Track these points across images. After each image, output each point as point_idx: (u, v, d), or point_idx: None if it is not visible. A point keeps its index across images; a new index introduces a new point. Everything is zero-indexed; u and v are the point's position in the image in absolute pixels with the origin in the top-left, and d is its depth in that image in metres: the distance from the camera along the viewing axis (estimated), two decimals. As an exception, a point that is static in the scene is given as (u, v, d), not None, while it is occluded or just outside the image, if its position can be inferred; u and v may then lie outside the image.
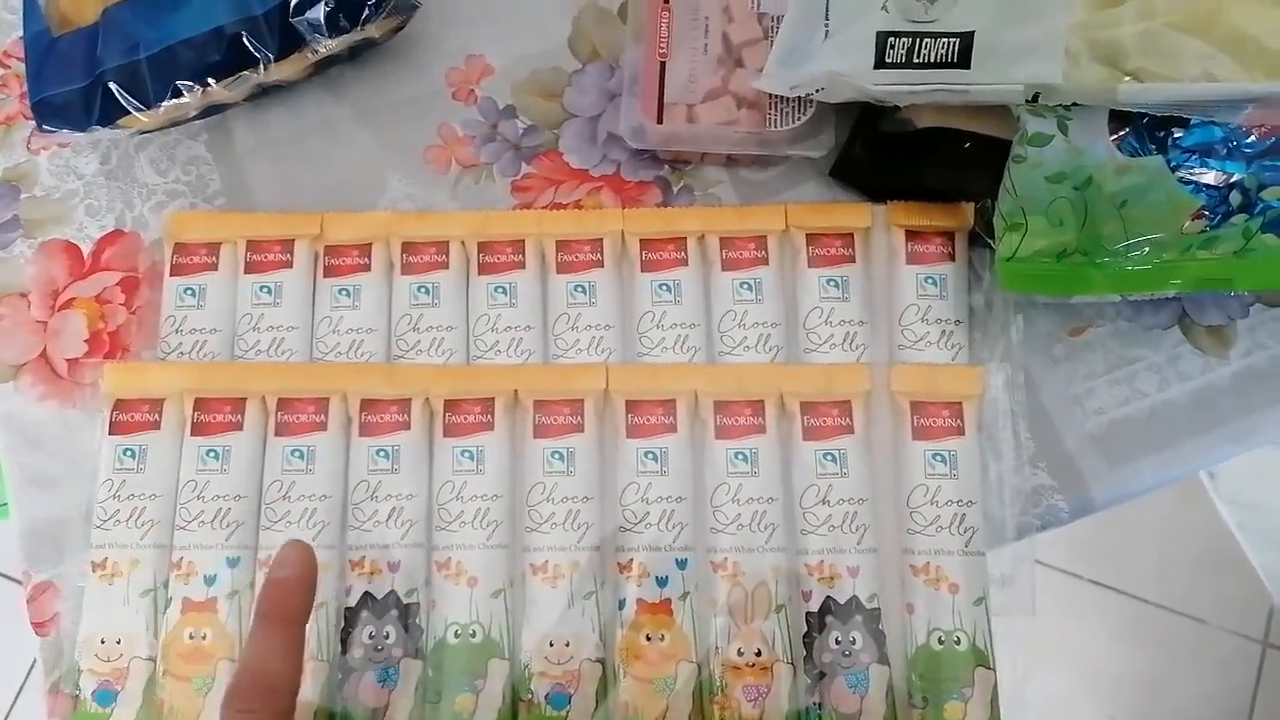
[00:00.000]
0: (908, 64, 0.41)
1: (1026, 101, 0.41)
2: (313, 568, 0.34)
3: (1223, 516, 1.24)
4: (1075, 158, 0.42)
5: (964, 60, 0.41)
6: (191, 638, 0.41)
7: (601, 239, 0.47)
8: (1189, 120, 0.41)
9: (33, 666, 1.25)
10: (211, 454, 0.43)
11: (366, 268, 0.47)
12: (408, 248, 0.47)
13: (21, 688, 1.25)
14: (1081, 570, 1.23)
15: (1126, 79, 0.40)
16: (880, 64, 0.42)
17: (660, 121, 0.46)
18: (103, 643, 0.41)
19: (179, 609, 0.41)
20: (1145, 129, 0.42)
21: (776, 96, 0.46)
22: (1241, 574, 1.23)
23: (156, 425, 0.43)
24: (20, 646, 1.26)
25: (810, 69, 0.43)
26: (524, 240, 0.47)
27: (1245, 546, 1.23)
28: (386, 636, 0.41)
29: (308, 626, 0.39)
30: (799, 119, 0.45)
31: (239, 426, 0.43)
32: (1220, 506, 1.24)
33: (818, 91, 0.43)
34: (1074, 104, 0.42)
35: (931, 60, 0.41)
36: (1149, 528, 1.25)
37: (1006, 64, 0.41)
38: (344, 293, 0.46)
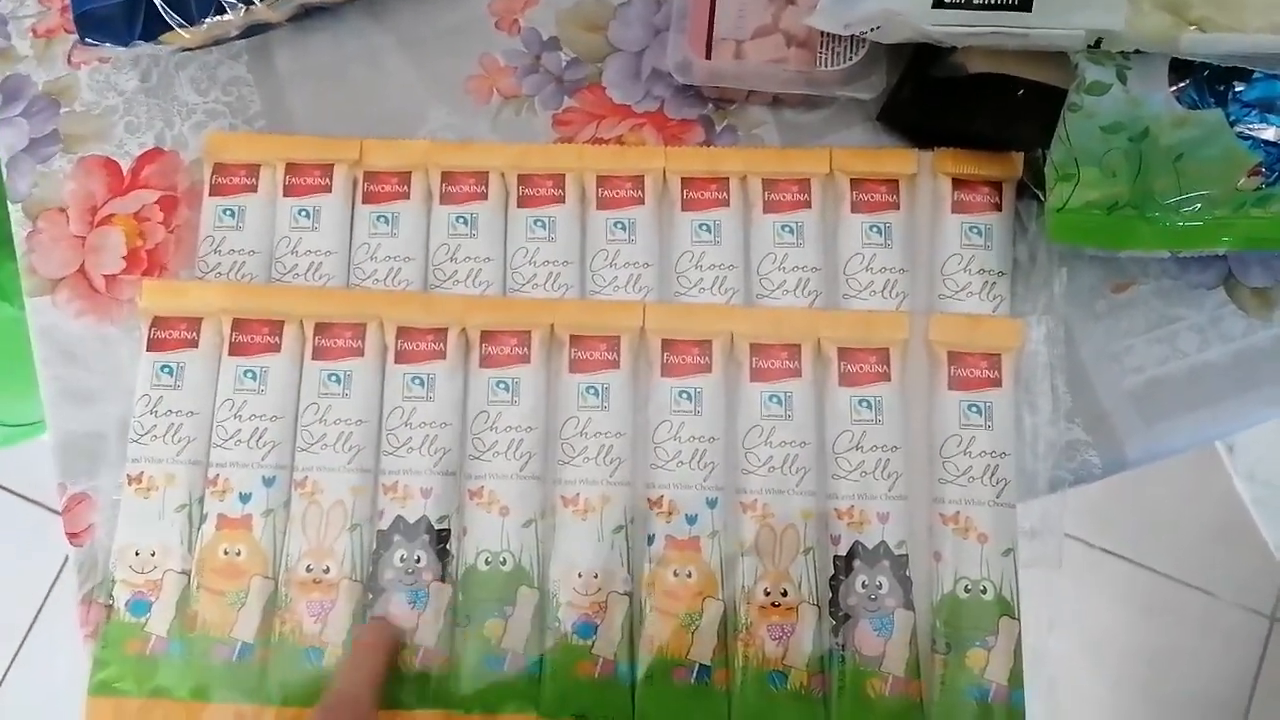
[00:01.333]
0: (967, 4, 0.41)
1: (1087, 48, 0.40)
2: (393, 633, 0.40)
3: (1238, 490, 1.23)
4: (1133, 108, 0.41)
5: (1025, 3, 0.40)
6: (226, 554, 0.41)
7: (643, 176, 0.46)
8: (1251, 73, 0.40)
9: (52, 588, 1.27)
10: (249, 374, 0.43)
11: (405, 196, 0.46)
12: (447, 177, 0.47)
13: (41, 608, 1.28)
14: (1092, 537, 1.23)
15: (1190, 28, 0.39)
16: (939, 3, 0.41)
17: (708, 57, 0.45)
18: (137, 555, 0.42)
19: (214, 525, 0.42)
20: (1205, 81, 0.41)
21: (828, 35, 0.45)
22: (1253, 549, 1.22)
23: (194, 344, 0.44)
24: (41, 570, 1.29)
25: (866, 7, 0.42)
26: (564, 174, 0.46)
27: (1259, 522, 1.22)
28: (418, 560, 0.42)
29: (342, 547, 0.40)
30: (850, 59, 0.44)
31: (276, 349, 0.44)
32: (1236, 481, 1.23)
33: (872, 31, 0.42)
34: (1134, 52, 0.41)
35: (992, 2, 0.40)
36: (1163, 498, 1.24)
37: (1068, 8, 0.40)
38: (382, 220, 0.46)
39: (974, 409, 0.42)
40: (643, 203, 0.46)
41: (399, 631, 0.40)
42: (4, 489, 1.32)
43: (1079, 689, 1.16)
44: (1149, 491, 1.25)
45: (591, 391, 0.43)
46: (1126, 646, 1.19)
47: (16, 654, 1.26)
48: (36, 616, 1.27)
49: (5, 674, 1.25)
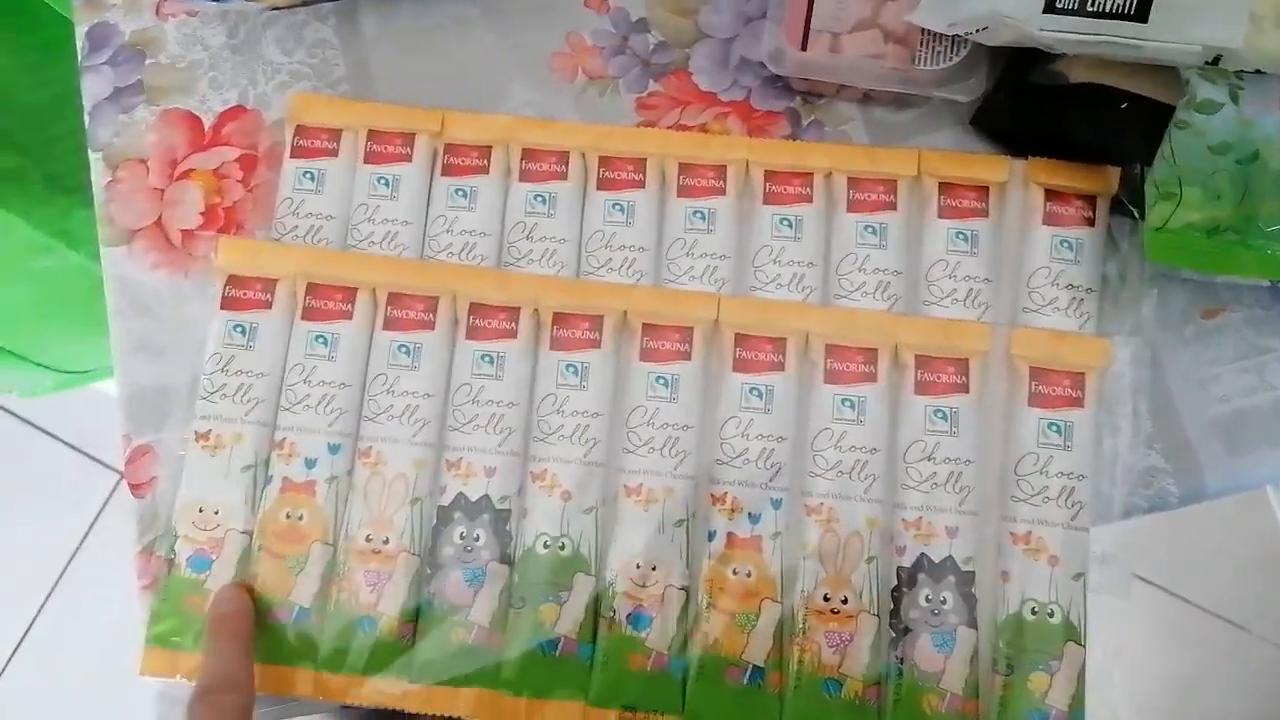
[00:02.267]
0: (1080, 10, 0.39)
1: (1201, 64, 0.39)
2: (248, 600, 0.40)
3: (1280, 528, 1.21)
4: (1244, 129, 0.40)
5: (1142, 13, 0.39)
6: (288, 517, 0.41)
7: (726, 166, 0.45)
8: (1374, 101, 0.39)
9: (89, 531, 1.30)
10: (320, 340, 0.43)
11: (484, 170, 0.46)
12: (528, 154, 0.46)
13: (76, 551, 1.30)
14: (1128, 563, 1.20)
15: (1316, 50, 0.37)
16: (1050, 8, 0.39)
17: (804, 48, 0.44)
18: (200, 511, 0.42)
19: (278, 488, 0.42)
20: (1325, 106, 0.39)
21: (928, 34, 0.44)
22: (1288, 586, 1.20)
23: (268, 305, 0.44)
24: (81, 514, 1.31)
25: (974, 7, 0.41)
26: (646, 159, 0.46)
27: (1298, 560, 1.20)
28: (477, 539, 0.41)
29: (402, 519, 0.40)
30: (950, 60, 0.43)
31: (349, 316, 0.43)
32: (1280, 518, 1.21)
33: (977, 32, 0.41)
34: (1251, 72, 0.39)
35: (1106, 10, 0.39)
36: (1204, 530, 1.22)
37: (1186, 21, 0.38)
38: (460, 193, 0.46)
39: (1054, 428, 0.41)
40: (724, 193, 0.45)
41: (249, 598, 0.40)
42: (47, 434, 1.34)
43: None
44: (1189, 522, 1.23)
45: (661, 382, 0.42)
46: (1155, 673, 1.18)
47: (50, 594, 1.28)
48: (71, 559, 1.29)
49: (37, 616, 1.28)
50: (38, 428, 1.34)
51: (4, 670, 1.26)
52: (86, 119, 0.48)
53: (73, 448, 1.33)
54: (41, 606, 1.28)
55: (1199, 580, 1.20)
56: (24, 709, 1.25)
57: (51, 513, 1.31)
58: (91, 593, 1.28)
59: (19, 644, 1.27)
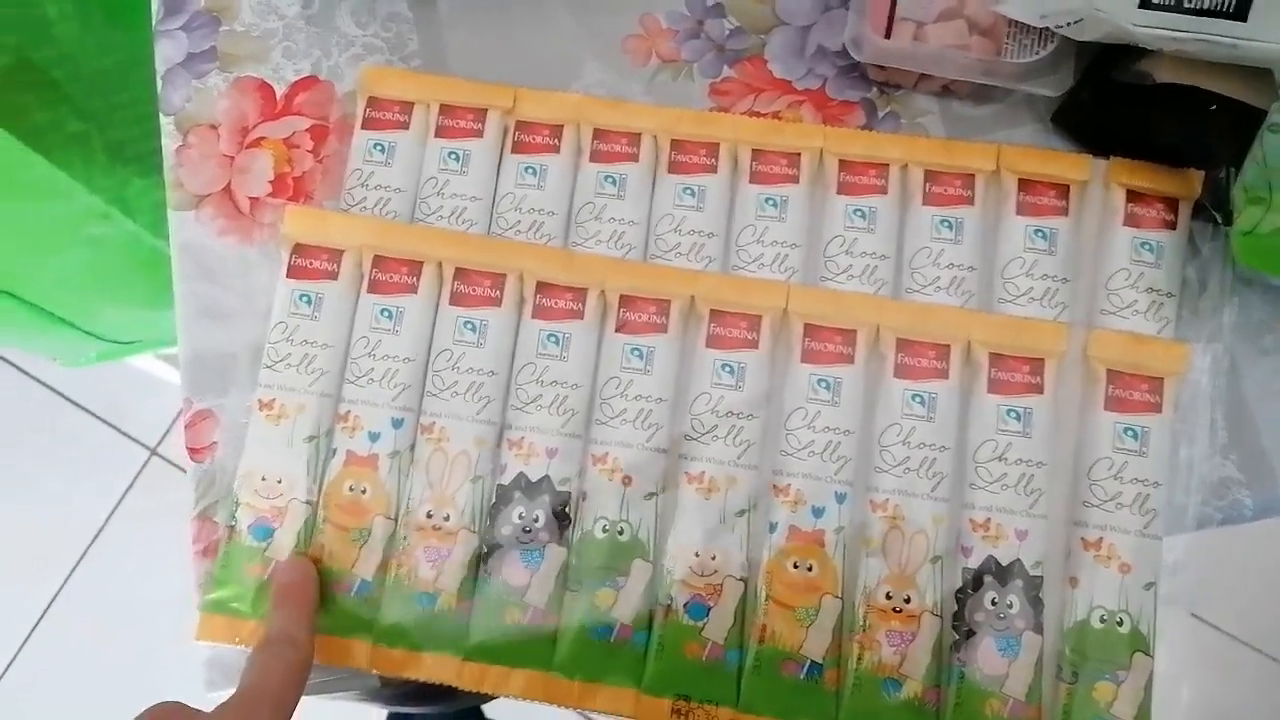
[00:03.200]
0: (1177, 7, 0.38)
1: (1302, 66, 0.38)
2: (313, 571, 0.41)
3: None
4: (1342, 135, 0.38)
5: (1240, 11, 0.38)
6: (351, 490, 0.41)
7: (800, 154, 0.45)
8: None
9: (118, 505, 1.31)
10: (385, 313, 0.43)
11: (555, 149, 0.46)
12: (599, 135, 0.46)
13: (103, 526, 1.31)
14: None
15: None
16: (1146, 4, 0.38)
17: (888, 36, 0.43)
18: (263, 480, 0.42)
19: (342, 460, 0.42)
20: None
21: (1015, 26, 0.43)
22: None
23: (334, 276, 0.43)
24: (107, 488, 1.32)
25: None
26: (719, 144, 0.45)
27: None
28: (536, 520, 0.41)
29: (463, 497, 0.39)
30: (1037, 52, 0.42)
31: (414, 290, 0.43)
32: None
33: (1068, 25, 0.40)
34: (1354, 75, 0.38)
35: (1204, 7, 0.38)
36: (1240, 560, 1.19)
37: (1288, 21, 0.37)
38: (530, 171, 0.45)
39: (1130, 433, 0.40)
40: (797, 181, 0.44)
41: (314, 569, 0.41)
42: (80, 406, 1.35)
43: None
44: (1226, 551, 1.20)
45: (727, 370, 0.42)
46: (1185, 701, 1.15)
47: (75, 566, 1.29)
48: (98, 534, 1.30)
49: (62, 587, 1.29)
50: (70, 400, 1.35)
51: (28, 640, 1.27)
52: (159, 83, 0.48)
53: (104, 422, 1.35)
54: (66, 578, 1.29)
55: (1233, 611, 1.18)
56: (46, 679, 1.26)
57: (80, 486, 1.32)
58: (117, 567, 1.29)
59: (43, 614, 1.28)
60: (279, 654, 0.36)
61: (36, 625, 1.28)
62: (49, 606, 1.28)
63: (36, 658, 1.27)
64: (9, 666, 1.27)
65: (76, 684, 1.25)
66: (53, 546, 1.30)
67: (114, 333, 0.86)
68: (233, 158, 0.47)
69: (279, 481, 0.41)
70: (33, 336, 0.83)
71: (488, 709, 0.80)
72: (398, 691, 0.49)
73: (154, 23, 0.49)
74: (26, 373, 1.36)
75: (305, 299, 0.43)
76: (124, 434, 1.34)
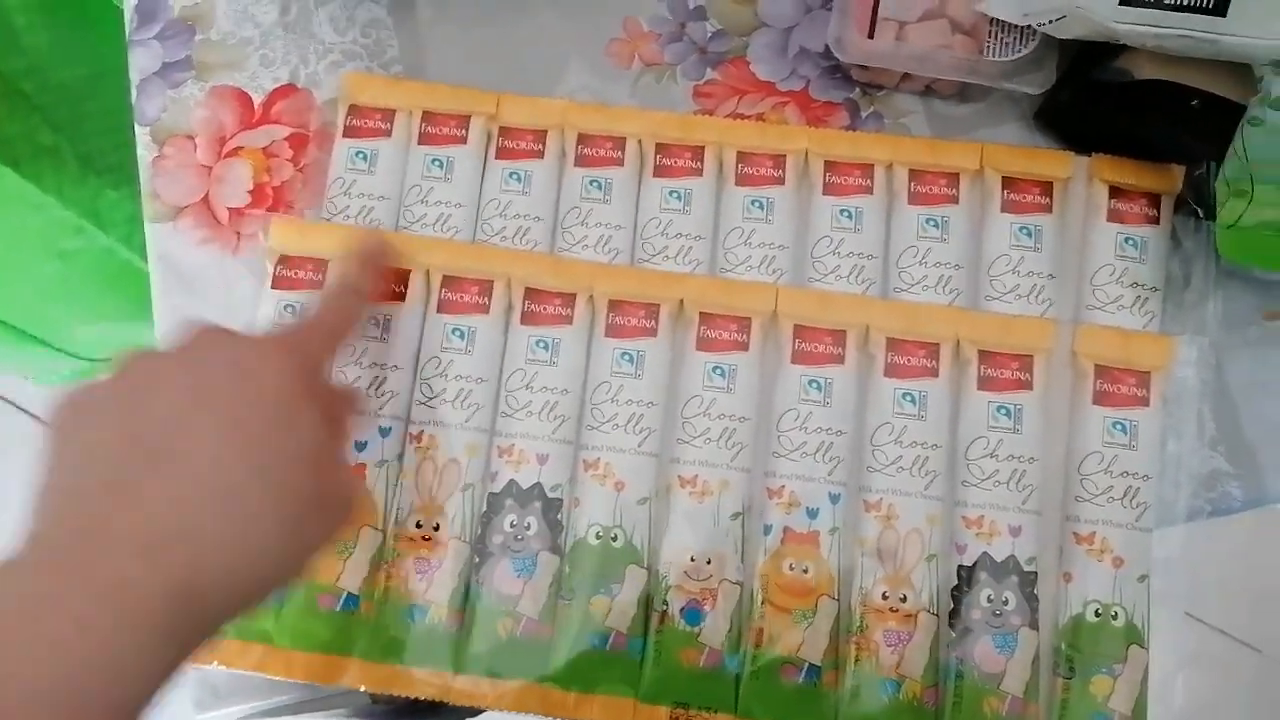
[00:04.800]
0: (1158, 4, 0.39)
1: (1275, 62, 0.38)
2: (389, 245, 0.41)
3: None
4: (1321, 128, 0.39)
5: (1220, 7, 0.38)
6: (337, 500, 0.40)
7: (785, 155, 0.45)
8: None
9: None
10: (372, 321, 0.42)
11: (539, 154, 0.45)
12: (583, 139, 0.45)
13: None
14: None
15: (1401, 46, 0.37)
16: (1127, 0, 0.39)
17: (870, 37, 0.43)
18: (247, 493, 0.41)
19: (327, 470, 0.41)
20: (1406, 106, 0.39)
21: (997, 25, 0.43)
22: (1312, 611, 1.19)
23: (319, 285, 0.43)
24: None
25: (1048, -3, 0.40)
26: (704, 147, 0.45)
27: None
28: (528, 527, 0.40)
29: (454, 506, 0.39)
30: (1019, 51, 0.43)
31: (401, 297, 0.43)
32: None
33: (1050, 23, 0.41)
34: (1331, 69, 0.39)
35: (1185, 3, 0.38)
36: (1223, 553, 1.21)
37: (1266, 16, 0.38)
38: (515, 177, 0.45)
39: (1119, 427, 0.40)
40: (783, 183, 0.44)
41: (390, 244, 0.41)
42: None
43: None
44: (1209, 544, 1.22)
45: (718, 372, 0.42)
46: (1170, 692, 1.16)
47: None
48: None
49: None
50: (38, 419, 1.33)
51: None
52: (134, 93, 0.48)
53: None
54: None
55: (1216, 603, 1.19)
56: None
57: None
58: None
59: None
60: (339, 295, 0.37)
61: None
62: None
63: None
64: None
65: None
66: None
67: (87, 350, 0.84)
68: (210, 168, 0.46)
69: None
70: (4, 354, 0.81)
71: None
72: (389, 708, 0.48)
73: (128, 32, 0.48)
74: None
75: (290, 309, 0.42)
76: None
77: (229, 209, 0.46)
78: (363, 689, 0.40)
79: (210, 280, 0.45)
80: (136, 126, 0.47)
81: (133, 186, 0.65)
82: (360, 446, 0.41)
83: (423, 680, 0.39)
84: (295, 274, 0.43)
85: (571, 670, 0.39)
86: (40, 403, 1.33)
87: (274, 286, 0.43)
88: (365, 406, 0.41)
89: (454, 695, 0.39)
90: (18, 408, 1.34)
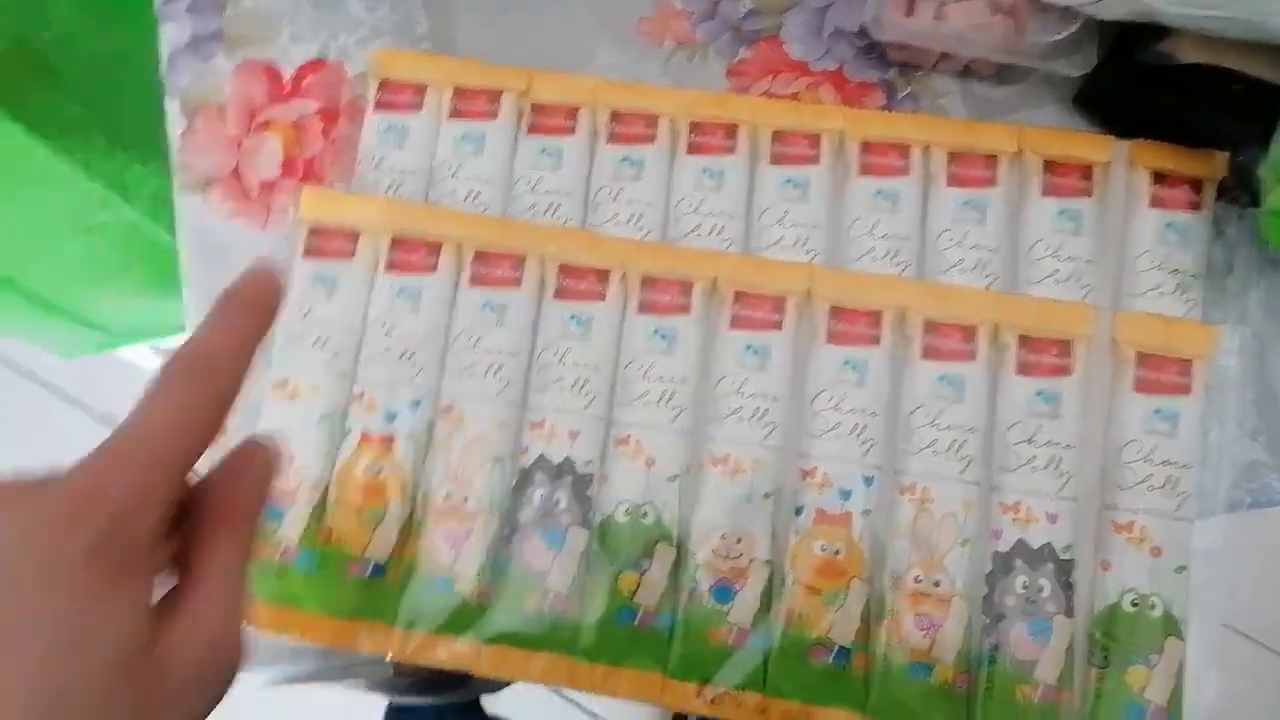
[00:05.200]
0: (1206, -17, 0.38)
1: (1330, 42, 0.38)
2: (279, 285, 0.28)
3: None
4: (1371, 112, 0.38)
5: (1272, -12, 0.37)
6: (366, 471, 0.40)
7: (820, 135, 0.44)
8: None
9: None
10: (404, 293, 0.42)
11: (571, 131, 0.45)
12: (616, 117, 0.45)
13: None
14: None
15: None
16: (1176, -20, 0.38)
17: (909, 15, 0.43)
18: (274, 464, 0.40)
19: (356, 441, 0.41)
20: None
21: (1037, 5, 0.42)
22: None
23: (350, 256, 0.42)
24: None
25: (1093, -24, 0.39)
26: (738, 125, 0.45)
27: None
28: (558, 502, 0.40)
29: (483, 479, 0.38)
30: (1060, 32, 0.42)
31: (433, 270, 0.42)
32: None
33: (1094, 3, 0.40)
34: (1382, 52, 0.38)
35: (1233, -17, 0.38)
36: (1250, 556, 1.20)
37: (1318, -3, 0.37)
38: (546, 153, 0.45)
39: (1160, 415, 0.40)
40: (818, 162, 0.44)
41: (281, 285, 0.28)
42: (72, 401, 1.33)
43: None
44: (1234, 548, 1.20)
45: (751, 351, 0.41)
46: (1192, 697, 1.15)
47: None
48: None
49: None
50: (64, 396, 1.33)
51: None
52: (163, 66, 0.47)
53: (95, 418, 1.32)
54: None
55: (1243, 608, 1.18)
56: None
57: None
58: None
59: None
60: (184, 382, 0.24)
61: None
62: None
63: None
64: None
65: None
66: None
67: (113, 323, 0.85)
68: (240, 141, 0.46)
69: (291, 462, 0.40)
70: (32, 327, 0.81)
71: (487, 703, 0.79)
72: (409, 681, 0.48)
73: (157, 4, 0.48)
74: (16, 368, 1.34)
75: (321, 280, 0.42)
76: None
77: (259, 182, 0.46)
78: (389, 658, 0.39)
79: (239, 253, 0.45)
80: (166, 99, 0.47)
81: (160, 161, 0.65)
82: (391, 418, 0.41)
83: (449, 651, 0.39)
84: (327, 244, 0.43)
85: (599, 645, 0.39)
86: (65, 377, 1.34)
87: (305, 256, 0.42)
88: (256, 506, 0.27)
89: (481, 666, 0.39)
90: (40, 383, 1.34)
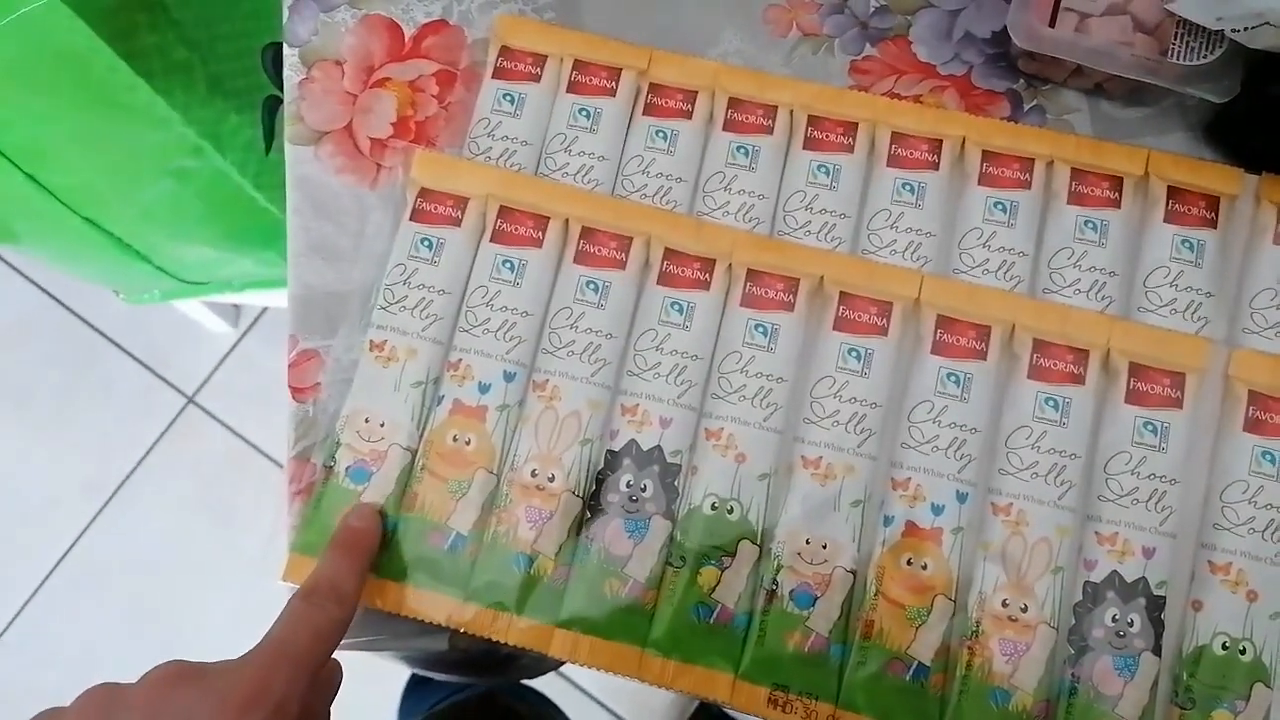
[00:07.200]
0: (1371, 19, 0.36)
1: None
2: (379, 522, 0.39)
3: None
4: None
5: None
6: (455, 440, 0.40)
7: (941, 141, 0.43)
8: None
9: (150, 451, 1.30)
10: (507, 264, 0.42)
11: (688, 114, 0.44)
12: (734, 104, 0.44)
13: (133, 470, 1.31)
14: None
15: None
16: (1338, 12, 0.37)
17: (1051, 25, 0.42)
18: (366, 422, 0.41)
19: (448, 409, 0.40)
20: None
21: (1183, 27, 0.41)
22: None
23: (457, 222, 0.42)
24: (140, 434, 1.31)
25: (1249, 3, 0.38)
26: (857, 124, 0.44)
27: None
28: (644, 489, 0.40)
29: (571, 458, 0.38)
30: (1205, 56, 0.41)
31: (538, 244, 0.42)
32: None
33: (1245, 30, 0.39)
34: None
35: (1400, 20, 0.36)
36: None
37: None
38: (660, 135, 0.44)
39: (1268, 457, 0.39)
40: (937, 168, 0.43)
41: (380, 521, 0.39)
42: (119, 347, 1.35)
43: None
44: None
45: (854, 354, 0.41)
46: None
47: (101, 510, 1.29)
48: (127, 478, 1.30)
49: (90, 525, 1.29)
50: (113, 341, 1.35)
51: (46, 580, 1.27)
52: (285, 14, 0.47)
53: (145, 366, 1.34)
54: (91, 521, 1.29)
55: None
56: (59, 622, 1.26)
57: (113, 430, 1.31)
58: (142, 513, 1.29)
59: (63, 557, 1.28)
60: (320, 606, 0.34)
61: (58, 564, 1.28)
62: (71, 547, 1.28)
63: (54, 598, 1.27)
64: (17, 616, 1.28)
65: (87, 632, 1.25)
66: (82, 487, 1.30)
67: (184, 272, 0.85)
68: (355, 96, 0.46)
69: (382, 425, 0.40)
70: (104, 267, 0.82)
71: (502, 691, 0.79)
72: (463, 656, 0.48)
73: (283, -47, 0.48)
74: (71, 310, 1.36)
75: (426, 243, 0.42)
76: (159, 376, 1.33)
77: (371, 139, 0.46)
78: (460, 630, 0.39)
79: (345, 207, 0.45)
80: (286, 47, 0.47)
81: (254, 113, 0.65)
82: (484, 389, 0.41)
83: (521, 629, 0.39)
84: (435, 209, 0.42)
85: (673, 639, 0.39)
86: (116, 325, 1.36)
87: (412, 219, 0.42)
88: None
89: (552, 649, 0.39)
90: (92, 327, 1.36)
